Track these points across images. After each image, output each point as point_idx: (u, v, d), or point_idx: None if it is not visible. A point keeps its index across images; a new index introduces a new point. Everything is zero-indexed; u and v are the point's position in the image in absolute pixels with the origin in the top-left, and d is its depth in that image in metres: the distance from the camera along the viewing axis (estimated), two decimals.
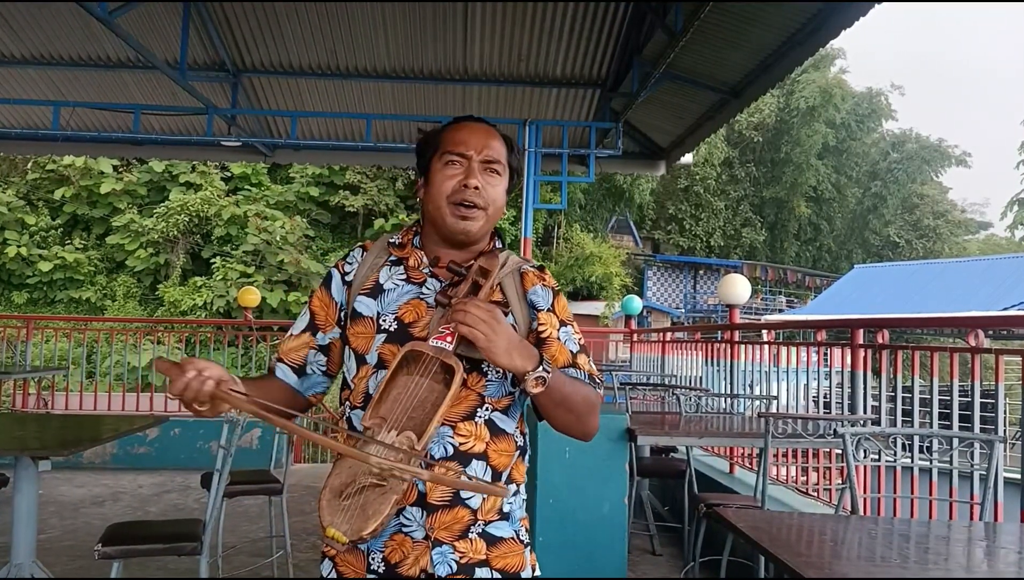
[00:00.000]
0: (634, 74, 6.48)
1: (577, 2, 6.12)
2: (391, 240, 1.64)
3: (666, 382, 7.69)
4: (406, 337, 1.50)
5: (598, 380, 1.59)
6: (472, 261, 1.57)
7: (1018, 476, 3.16)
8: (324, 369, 1.65)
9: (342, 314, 1.61)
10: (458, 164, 1.57)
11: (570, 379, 1.52)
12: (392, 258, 1.62)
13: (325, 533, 1.29)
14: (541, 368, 1.41)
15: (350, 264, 1.64)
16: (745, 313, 27.79)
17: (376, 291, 1.56)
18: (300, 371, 1.63)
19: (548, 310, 1.59)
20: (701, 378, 7.29)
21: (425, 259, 1.59)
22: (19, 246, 22.08)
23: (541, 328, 1.57)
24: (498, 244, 1.67)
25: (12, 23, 6.60)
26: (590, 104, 7.74)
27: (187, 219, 22.56)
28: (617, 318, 24.61)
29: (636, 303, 11.86)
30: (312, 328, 1.64)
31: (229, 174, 24.71)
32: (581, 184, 25.24)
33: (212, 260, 22.81)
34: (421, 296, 1.55)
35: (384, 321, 1.53)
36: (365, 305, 1.56)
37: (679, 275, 33.15)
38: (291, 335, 1.65)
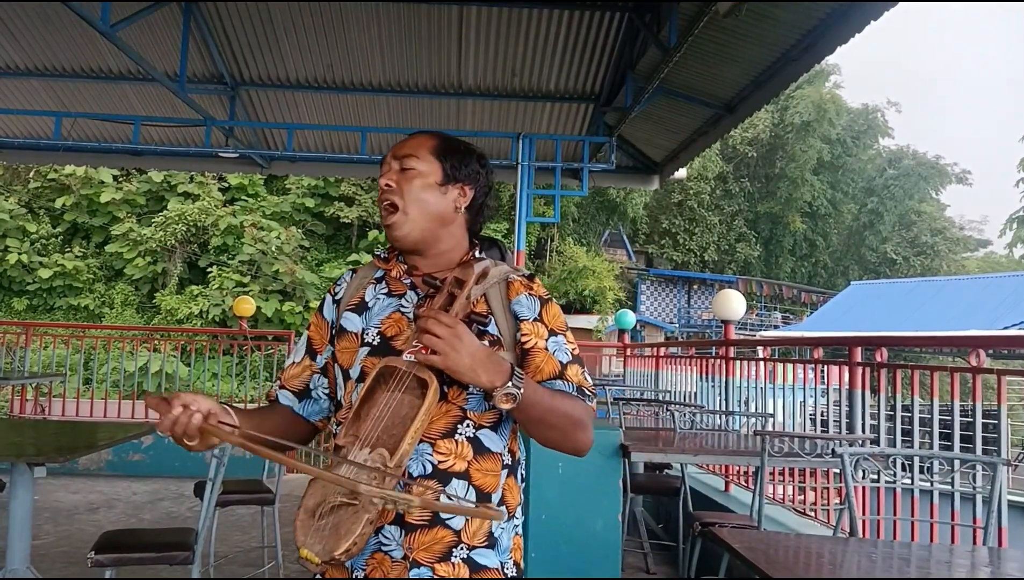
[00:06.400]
0: (627, 89, 6.48)
1: (571, 17, 6.14)
2: (378, 253, 1.65)
3: (660, 398, 7.66)
4: (388, 351, 1.47)
5: (588, 392, 1.51)
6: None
7: (1022, 499, 3.10)
8: (327, 392, 1.63)
9: (333, 333, 1.61)
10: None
11: (552, 393, 1.46)
12: (378, 274, 1.61)
13: (299, 554, 1.28)
14: (511, 384, 1.36)
15: (339, 285, 1.65)
16: (740, 329, 27.81)
17: (361, 307, 1.56)
18: (303, 395, 1.63)
19: (535, 320, 1.52)
20: (696, 394, 7.24)
21: (404, 269, 1.59)
22: (20, 253, 22.22)
23: (524, 338, 1.51)
24: (479, 253, 1.62)
25: (16, 34, 6.64)
26: (583, 118, 7.76)
27: (184, 229, 22.63)
28: (610, 332, 24.58)
29: (629, 317, 11.87)
30: (311, 353, 1.64)
31: (226, 185, 24.82)
32: (574, 197, 25.29)
33: (209, 269, 22.85)
34: (401, 309, 1.53)
35: (368, 335, 1.52)
36: (350, 321, 1.56)
37: (673, 290, 33.09)
38: (291, 363, 1.66)
